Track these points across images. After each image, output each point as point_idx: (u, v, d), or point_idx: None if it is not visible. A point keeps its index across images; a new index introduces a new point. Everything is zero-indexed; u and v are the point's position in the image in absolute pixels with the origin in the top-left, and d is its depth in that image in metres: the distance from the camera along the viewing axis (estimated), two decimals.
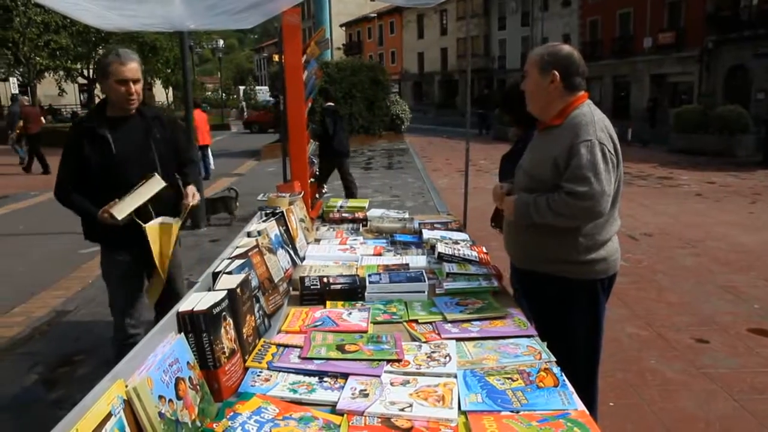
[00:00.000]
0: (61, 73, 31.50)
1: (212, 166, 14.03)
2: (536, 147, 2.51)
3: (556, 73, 2.38)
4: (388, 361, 1.81)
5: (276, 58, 27.01)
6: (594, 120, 2.33)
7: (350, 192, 8.84)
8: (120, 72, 2.86)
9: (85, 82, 37.39)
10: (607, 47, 34.81)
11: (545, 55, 2.42)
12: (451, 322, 2.14)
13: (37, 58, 27.79)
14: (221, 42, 37.32)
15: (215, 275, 1.95)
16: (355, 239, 3.38)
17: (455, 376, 1.72)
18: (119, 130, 2.97)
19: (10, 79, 29.09)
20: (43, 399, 3.75)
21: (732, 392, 3.63)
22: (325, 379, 1.73)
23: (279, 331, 2.11)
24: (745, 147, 16.58)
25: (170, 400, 1.34)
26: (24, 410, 3.61)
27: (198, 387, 1.50)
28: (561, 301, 2.46)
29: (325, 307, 2.35)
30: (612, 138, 2.34)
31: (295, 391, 1.65)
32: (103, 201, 2.87)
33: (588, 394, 2.51)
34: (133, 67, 2.89)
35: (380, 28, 61.94)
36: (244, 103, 48.29)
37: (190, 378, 1.47)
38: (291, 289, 2.55)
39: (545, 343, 1.95)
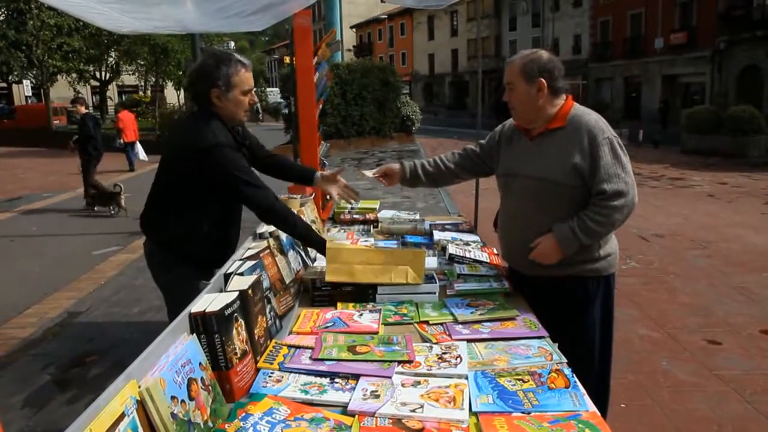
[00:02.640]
0: (74, 75, 31.74)
1: (143, 157, 16.39)
2: (542, 152, 2.44)
3: (543, 80, 2.38)
4: (399, 362, 1.81)
5: (287, 60, 27.07)
6: (598, 118, 2.41)
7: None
8: (248, 80, 2.57)
9: (97, 84, 37.67)
10: (619, 48, 34.63)
11: (528, 64, 2.40)
12: (462, 323, 2.14)
13: (50, 61, 28.02)
14: (232, 44, 37.44)
15: (227, 276, 1.96)
16: (366, 240, 3.38)
17: (466, 378, 1.72)
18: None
19: (24, 81, 29.33)
20: (56, 399, 3.78)
21: (744, 394, 3.61)
22: (336, 380, 1.73)
23: (290, 332, 2.12)
24: (758, 148, 16.47)
25: (182, 401, 1.35)
26: (37, 410, 3.64)
27: (210, 388, 1.51)
28: (577, 301, 2.47)
29: (336, 308, 2.36)
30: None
31: (306, 392, 1.66)
32: (216, 215, 2.66)
33: (601, 395, 2.52)
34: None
35: (391, 29, 61.96)
36: (259, 105, 48.36)
37: (202, 379, 1.48)
38: (302, 290, 2.56)
39: (556, 344, 1.95)
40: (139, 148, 16.56)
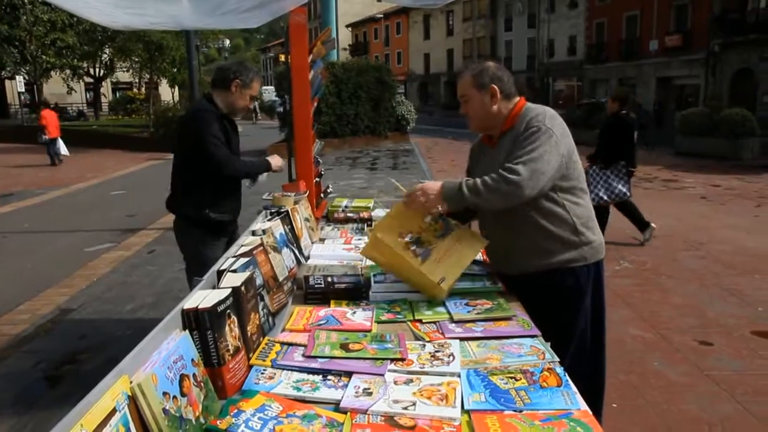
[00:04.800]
0: (68, 71, 31.59)
1: (64, 152, 18.32)
2: (499, 156, 2.49)
3: (495, 86, 2.47)
4: (392, 360, 1.81)
5: (282, 58, 27.01)
6: (542, 111, 2.45)
7: None
8: (256, 90, 3.54)
9: (91, 80, 37.50)
10: (614, 49, 34.76)
11: (478, 75, 2.50)
12: (457, 321, 2.14)
13: (44, 57, 27.89)
14: (227, 42, 37.40)
15: (220, 273, 1.96)
16: (359, 239, 3.38)
17: (459, 376, 1.72)
18: (229, 126, 3.53)
19: (17, 77, 29.16)
20: (47, 395, 3.77)
21: (735, 394, 3.63)
22: (329, 377, 1.73)
23: (283, 330, 2.11)
24: (751, 150, 16.53)
25: (174, 397, 1.35)
26: (29, 406, 3.63)
27: (202, 384, 1.50)
28: (567, 294, 2.50)
29: (329, 306, 2.36)
30: (564, 126, 2.44)
31: (298, 389, 1.66)
32: (217, 184, 3.44)
33: (595, 393, 2.54)
34: None
35: (386, 28, 62.01)
36: (257, 104, 48.13)
37: (194, 375, 1.48)
38: (295, 288, 2.56)
39: (549, 343, 1.95)
40: (60, 143, 18.24)
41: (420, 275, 2.31)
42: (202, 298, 1.67)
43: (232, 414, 1.48)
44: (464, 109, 2.59)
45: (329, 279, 2.48)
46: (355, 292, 2.43)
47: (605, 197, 6.90)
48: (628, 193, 6.97)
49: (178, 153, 3.58)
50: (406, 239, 2.36)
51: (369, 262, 2.87)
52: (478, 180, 2.31)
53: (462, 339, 1.99)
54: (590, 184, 6.43)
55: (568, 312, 2.51)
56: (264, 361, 1.81)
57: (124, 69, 34.19)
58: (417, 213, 2.42)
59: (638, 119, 7.60)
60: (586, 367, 2.52)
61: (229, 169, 3.40)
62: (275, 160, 3.73)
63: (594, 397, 2.49)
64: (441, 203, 2.38)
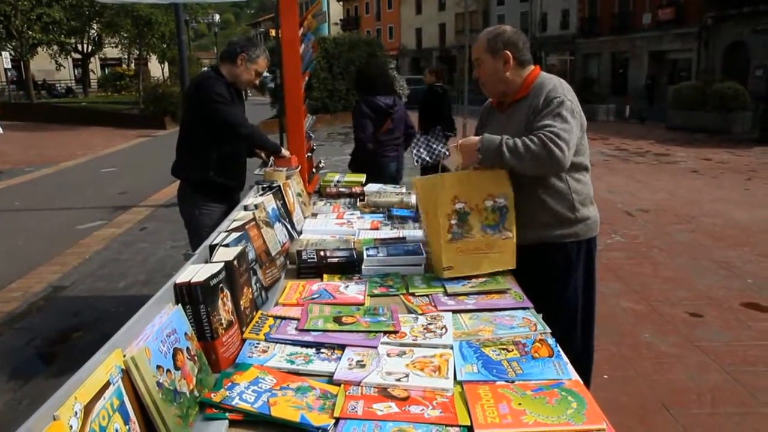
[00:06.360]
0: (55, 47, 31.12)
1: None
2: (510, 123, 2.48)
3: (508, 52, 2.44)
4: (385, 332, 1.82)
5: (273, 33, 26.68)
6: (559, 83, 2.44)
7: None
8: (262, 66, 3.56)
9: (79, 57, 36.98)
10: (606, 23, 34.54)
11: (492, 39, 2.48)
12: (450, 295, 2.15)
13: (30, 32, 27.42)
14: (217, 17, 36.87)
15: (212, 248, 1.95)
16: (351, 214, 3.38)
17: (451, 347, 1.73)
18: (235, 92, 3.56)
19: (2, 53, 28.71)
20: (41, 372, 3.78)
21: (724, 365, 3.68)
22: (322, 350, 1.74)
23: (276, 304, 2.12)
24: (742, 124, 16.56)
25: (168, 370, 1.35)
26: (23, 383, 3.64)
27: (196, 358, 1.51)
28: (559, 267, 2.52)
29: (322, 280, 2.36)
30: (576, 101, 2.42)
31: (292, 362, 1.66)
32: (222, 148, 3.50)
33: (584, 363, 2.57)
34: None
35: (378, 3, 61.36)
36: None
37: (187, 349, 1.48)
38: (288, 262, 2.56)
39: (540, 315, 1.96)
40: None
41: (437, 246, 2.30)
42: (195, 272, 1.67)
43: (226, 387, 1.49)
44: (477, 73, 2.58)
45: (322, 253, 2.48)
46: (348, 266, 2.44)
47: (427, 158, 7.36)
48: (447, 153, 7.42)
49: (185, 119, 3.69)
50: (455, 207, 2.29)
51: (362, 236, 2.88)
52: (519, 142, 2.25)
53: (454, 312, 2.00)
54: (413, 147, 7.08)
55: (557, 285, 2.53)
56: (257, 334, 1.81)
57: (113, 45, 33.73)
58: (481, 188, 2.31)
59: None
60: (576, 340, 2.56)
61: (247, 129, 3.50)
62: (285, 151, 3.75)
63: (584, 369, 2.52)
64: (476, 156, 2.33)
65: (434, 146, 7.37)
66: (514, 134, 2.33)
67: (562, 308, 2.51)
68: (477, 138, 2.36)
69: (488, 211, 2.32)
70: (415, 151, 7.15)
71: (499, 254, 2.34)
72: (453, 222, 2.29)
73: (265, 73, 3.69)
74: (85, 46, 35.53)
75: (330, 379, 1.58)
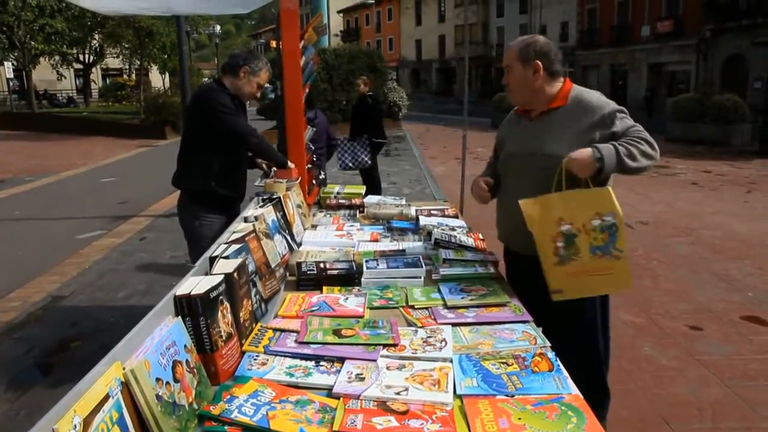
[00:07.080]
0: (57, 58, 31.24)
1: None
2: (543, 129, 2.47)
3: (539, 62, 2.44)
4: (384, 345, 1.82)
5: (273, 44, 26.81)
6: (600, 95, 2.46)
7: None
8: (264, 79, 3.58)
9: (80, 67, 37.12)
10: (605, 36, 34.67)
11: (524, 48, 2.47)
12: (450, 307, 2.15)
13: (33, 43, 27.55)
14: (218, 28, 37.00)
15: (212, 260, 1.96)
16: (351, 225, 3.39)
17: (451, 361, 1.73)
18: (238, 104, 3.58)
19: (5, 63, 28.82)
20: (40, 383, 3.76)
21: (724, 378, 3.67)
22: (322, 363, 1.74)
23: (276, 316, 2.12)
24: (742, 136, 16.60)
25: (167, 383, 1.35)
26: (21, 393, 3.62)
27: (195, 370, 1.51)
28: None
29: (321, 292, 2.36)
30: None
31: (291, 375, 1.66)
32: (224, 159, 3.49)
33: (603, 382, 2.59)
34: None
35: (378, 14, 61.64)
36: None
37: (187, 361, 1.48)
38: (288, 274, 2.56)
39: (540, 328, 1.96)
40: None
41: (545, 267, 2.29)
42: (195, 284, 1.67)
43: (225, 400, 1.48)
44: (506, 79, 2.57)
45: (322, 265, 2.49)
46: (348, 278, 2.44)
47: (350, 164, 7.79)
48: (369, 162, 7.87)
49: (188, 130, 3.69)
50: (561, 229, 2.25)
51: (361, 248, 2.88)
52: (628, 147, 2.24)
53: (454, 325, 2.00)
54: (338, 152, 7.52)
55: (577, 300, 2.50)
56: (257, 347, 1.81)
57: (114, 55, 33.85)
58: (587, 207, 2.26)
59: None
60: (596, 353, 2.57)
61: (256, 138, 3.52)
62: (291, 164, 3.74)
63: (599, 381, 2.54)
64: (594, 167, 2.24)
65: (358, 153, 7.79)
66: (546, 140, 2.38)
67: (581, 322, 2.50)
68: (589, 150, 2.26)
69: (597, 231, 2.27)
70: (339, 156, 7.68)
71: (611, 276, 2.30)
72: (559, 244, 2.26)
73: (266, 84, 3.69)
74: (86, 56, 35.70)
75: (329, 392, 1.58)
